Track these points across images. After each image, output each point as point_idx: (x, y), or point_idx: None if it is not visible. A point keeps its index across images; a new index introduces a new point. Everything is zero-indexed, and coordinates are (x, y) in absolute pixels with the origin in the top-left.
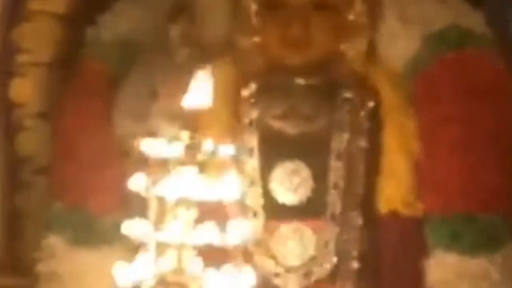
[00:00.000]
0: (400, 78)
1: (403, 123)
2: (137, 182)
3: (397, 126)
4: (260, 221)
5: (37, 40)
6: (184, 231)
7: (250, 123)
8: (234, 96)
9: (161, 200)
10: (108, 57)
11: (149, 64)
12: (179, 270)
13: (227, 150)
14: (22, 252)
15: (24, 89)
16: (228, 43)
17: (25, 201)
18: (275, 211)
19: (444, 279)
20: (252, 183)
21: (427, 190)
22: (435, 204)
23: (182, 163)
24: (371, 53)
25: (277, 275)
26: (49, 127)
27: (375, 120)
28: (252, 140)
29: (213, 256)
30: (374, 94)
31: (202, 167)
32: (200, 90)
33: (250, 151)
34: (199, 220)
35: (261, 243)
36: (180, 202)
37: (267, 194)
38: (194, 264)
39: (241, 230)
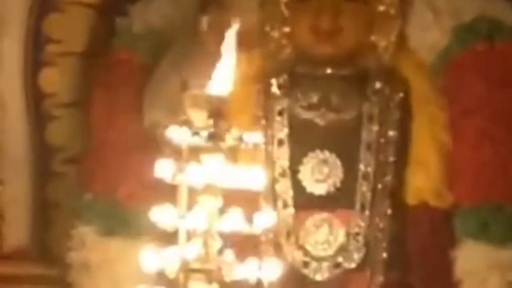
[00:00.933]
0: (430, 69)
1: (433, 113)
2: (163, 170)
3: (427, 116)
4: (289, 211)
5: (67, 30)
6: (210, 219)
7: (280, 114)
8: (262, 86)
9: (187, 188)
10: (139, 47)
11: (179, 54)
12: (204, 258)
13: (253, 138)
14: (52, 242)
15: (54, 79)
16: (258, 33)
17: (55, 191)
18: (305, 202)
19: (473, 270)
20: (282, 173)
21: (456, 181)
22: (465, 195)
23: (208, 150)
24: (401, 44)
25: (306, 265)
26: (79, 117)
27: (405, 110)
28: (282, 131)
29: (239, 244)
30: (404, 84)
31: (228, 154)
32: (225, 77)
33: (280, 142)
34: (225, 208)
35: (291, 233)
36: (206, 189)
37: (296, 184)
38: (219, 252)
39: (267, 219)
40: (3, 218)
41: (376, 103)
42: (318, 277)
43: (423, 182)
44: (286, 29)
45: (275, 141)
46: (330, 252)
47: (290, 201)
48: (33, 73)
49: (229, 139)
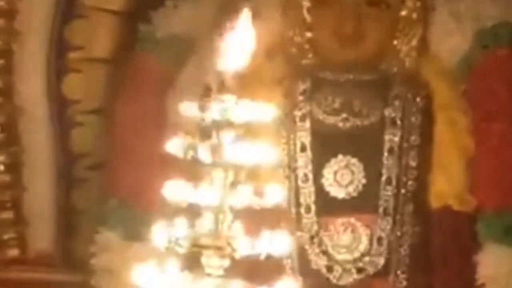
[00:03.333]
0: (451, 74)
1: (455, 118)
2: (174, 145)
3: (449, 121)
4: (313, 216)
5: (90, 36)
6: (221, 194)
7: (303, 119)
8: (284, 91)
9: (198, 163)
10: (162, 53)
11: (202, 60)
12: (215, 233)
13: (266, 114)
14: (76, 248)
15: (78, 85)
16: (281, 38)
17: (79, 197)
18: (328, 206)
19: (496, 274)
20: (304, 179)
21: (479, 185)
22: (488, 199)
23: (219, 126)
24: (423, 48)
25: (330, 269)
26: (103, 123)
27: (427, 115)
28: (305, 136)
29: (249, 220)
30: (426, 89)
31: (240, 130)
32: (239, 51)
33: (303, 147)
34: (236, 183)
35: (314, 238)
36: (217, 165)
37: (319, 189)
38: (230, 227)
39: (277, 194)
40: (27, 224)
41: (398, 108)
42: (342, 282)
43: (446, 186)
44: (309, 34)
45: (298, 147)
46: (354, 256)
47: (313, 206)
48: (56, 79)
49: (241, 116)
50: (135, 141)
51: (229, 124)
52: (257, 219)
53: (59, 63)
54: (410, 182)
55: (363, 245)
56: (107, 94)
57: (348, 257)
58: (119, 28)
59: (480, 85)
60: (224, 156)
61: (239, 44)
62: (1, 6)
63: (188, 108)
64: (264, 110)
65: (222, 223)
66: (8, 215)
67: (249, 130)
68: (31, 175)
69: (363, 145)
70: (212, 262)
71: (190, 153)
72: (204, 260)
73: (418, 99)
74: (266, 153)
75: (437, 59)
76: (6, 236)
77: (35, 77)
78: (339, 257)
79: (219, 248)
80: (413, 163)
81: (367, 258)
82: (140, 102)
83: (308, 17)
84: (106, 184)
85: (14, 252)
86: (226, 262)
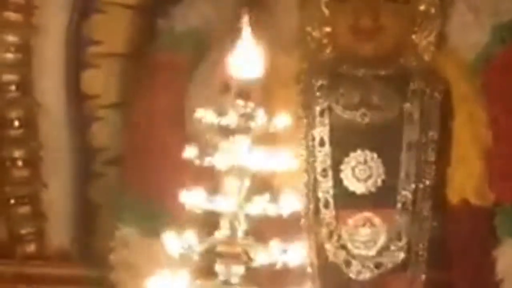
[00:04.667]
0: (470, 68)
1: (473, 112)
2: (191, 151)
3: (467, 115)
4: (331, 211)
5: (109, 31)
6: (238, 201)
7: (321, 114)
8: (303, 87)
9: (214, 170)
10: (180, 48)
11: (221, 54)
12: (231, 241)
13: (282, 120)
14: (94, 243)
15: (97, 80)
16: (299, 33)
17: (97, 192)
18: (346, 201)
19: None
20: (323, 173)
21: (498, 180)
22: (506, 194)
23: (235, 132)
24: (442, 43)
25: (348, 264)
26: (122, 118)
27: (445, 110)
28: (323, 131)
29: (266, 227)
30: (445, 84)
31: (257, 137)
32: (252, 60)
33: (321, 142)
34: (253, 190)
35: (333, 233)
36: (233, 171)
37: (338, 184)
38: (246, 235)
39: (293, 202)
40: (46, 219)
41: (417, 102)
42: (360, 277)
43: (464, 180)
44: (327, 29)
45: (317, 141)
46: (372, 251)
47: (331, 201)
48: (75, 74)
49: (257, 122)
50: (154, 136)
51: (246, 130)
52: (273, 226)
53: (78, 58)
54: (428, 177)
55: (381, 240)
56: (126, 89)
57: (366, 252)
58: (137, 23)
59: (499, 79)
60: (240, 162)
61: (249, 53)
62: (19, 2)
63: (205, 114)
64: (281, 119)
65: (238, 230)
66: (26, 210)
67: (266, 134)
68: (50, 170)
69: (381, 140)
70: (227, 270)
71: (206, 159)
72: (218, 267)
73: (436, 94)
74: (282, 159)
75: (455, 53)
76: (24, 231)
77: (53, 72)
78: (358, 252)
79: (235, 256)
80: (431, 158)
81: (385, 253)
82: (158, 97)
83: (326, 12)
84: (124, 179)
85: (32, 247)
86: (241, 270)
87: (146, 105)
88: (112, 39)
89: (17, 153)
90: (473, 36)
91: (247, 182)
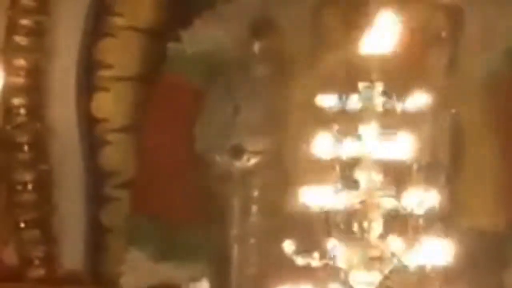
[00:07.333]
0: (481, 90)
1: (486, 135)
2: (322, 144)
3: (479, 138)
4: None
5: (120, 55)
6: (367, 194)
7: None
8: None
9: (342, 161)
10: (191, 72)
11: (231, 79)
12: (363, 243)
13: (413, 101)
14: (105, 266)
15: (107, 104)
16: (311, 58)
17: (108, 215)
18: None
19: None
20: None
21: (509, 204)
22: None
23: (361, 118)
24: (452, 65)
25: None
26: (132, 141)
27: (457, 132)
28: None
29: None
30: (456, 106)
31: (380, 119)
32: (383, 35)
33: None
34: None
35: None
36: (361, 163)
37: None
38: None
39: (428, 198)
40: (57, 242)
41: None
42: None
43: (476, 205)
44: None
45: None
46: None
47: None
48: (85, 98)
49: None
50: (164, 159)
51: (373, 114)
52: (406, 225)
53: (88, 82)
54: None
55: None
56: (136, 112)
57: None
58: (148, 47)
59: (510, 102)
60: (367, 151)
61: (385, 28)
62: (30, 26)
63: (328, 99)
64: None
65: (368, 232)
66: (35, 233)
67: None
68: (61, 193)
69: None
70: (363, 277)
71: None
72: (352, 276)
73: (448, 116)
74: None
75: (466, 76)
76: (33, 255)
77: (64, 96)
78: None
79: (375, 259)
80: (443, 181)
81: None
82: (168, 120)
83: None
84: (135, 202)
85: (42, 271)
86: (378, 277)
87: (156, 128)
88: (123, 63)
89: (27, 177)
90: (486, 58)
91: (374, 175)
